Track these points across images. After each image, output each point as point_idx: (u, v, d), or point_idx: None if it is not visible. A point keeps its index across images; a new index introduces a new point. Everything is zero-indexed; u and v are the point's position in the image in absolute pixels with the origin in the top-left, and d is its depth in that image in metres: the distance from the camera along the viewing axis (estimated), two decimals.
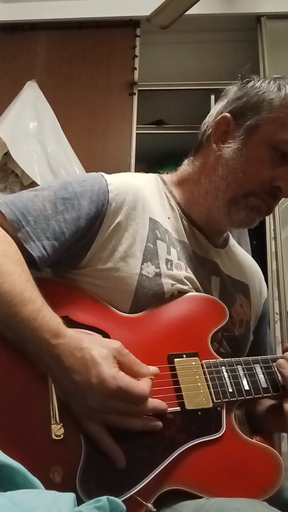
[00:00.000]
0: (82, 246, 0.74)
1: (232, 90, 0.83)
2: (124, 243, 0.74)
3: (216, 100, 0.87)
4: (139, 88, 2.26)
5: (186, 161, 0.89)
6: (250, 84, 0.80)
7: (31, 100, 2.16)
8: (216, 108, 0.85)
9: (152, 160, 2.52)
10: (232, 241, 0.96)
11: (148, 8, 1.98)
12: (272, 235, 1.97)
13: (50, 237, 0.69)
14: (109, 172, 0.81)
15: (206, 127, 0.85)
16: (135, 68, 2.27)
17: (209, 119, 0.85)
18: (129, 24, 2.31)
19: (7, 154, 2.06)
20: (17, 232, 0.67)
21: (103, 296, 0.72)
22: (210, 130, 0.83)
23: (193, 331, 0.72)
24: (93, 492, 0.53)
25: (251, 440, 0.64)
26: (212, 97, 2.23)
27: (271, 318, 1.82)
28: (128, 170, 2.12)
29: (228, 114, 0.80)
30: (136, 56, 2.29)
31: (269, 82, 0.79)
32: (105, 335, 0.66)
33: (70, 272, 0.76)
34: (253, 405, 0.84)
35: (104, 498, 0.44)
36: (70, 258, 0.75)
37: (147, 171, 2.47)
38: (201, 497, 0.58)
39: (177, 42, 2.40)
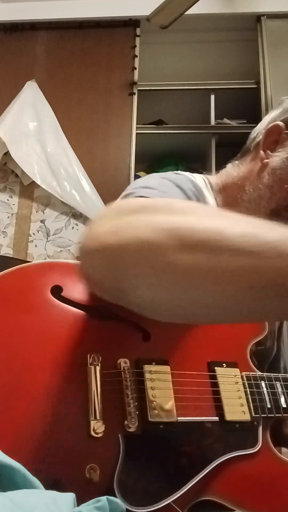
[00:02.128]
0: None
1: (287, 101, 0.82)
2: None
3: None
4: (139, 88, 2.26)
5: (229, 165, 0.86)
6: None
7: (31, 100, 2.16)
8: (270, 116, 0.83)
9: (152, 160, 2.51)
10: None
11: (148, 8, 1.98)
12: None
13: None
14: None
15: (256, 135, 0.83)
16: (135, 68, 2.27)
17: (260, 127, 0.84)
18: (129, 24, 2.31)
19: (7, 154, 2.07)
20: None
21: None
22: (261, 137, 0.81)
23: (233, 340, 0.70)
24: (131, 494, 0.51)
25: (285, 458, 0.64)
26: (212, 97, 2.21)
27: None
28: (128, 170, 2.11)
29: (281, 123, 0.78)
30: (136, 56, 2.29)
31: None
32: (147, 333, 0.64)
33: None
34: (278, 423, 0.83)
35: (104, 498, 0.44)
36: None
37: (147, 171, 2.49)
38: (232, 510, 0.58)
39: (177, 42, 2.40)
